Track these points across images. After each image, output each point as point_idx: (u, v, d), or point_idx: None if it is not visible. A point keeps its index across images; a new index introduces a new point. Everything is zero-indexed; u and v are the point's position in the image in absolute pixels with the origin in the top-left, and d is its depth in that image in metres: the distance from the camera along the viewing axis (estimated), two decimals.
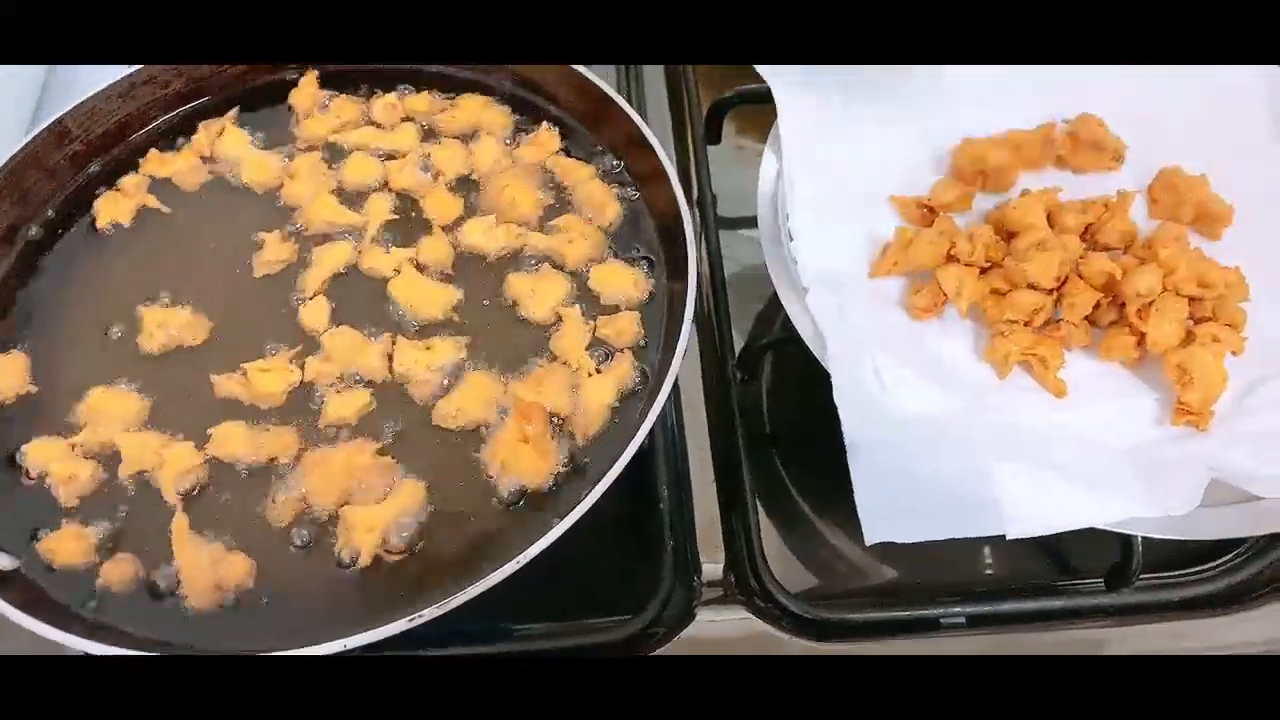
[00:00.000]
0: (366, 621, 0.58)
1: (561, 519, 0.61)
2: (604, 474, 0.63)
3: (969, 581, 0.77)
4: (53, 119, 0.80)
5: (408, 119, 0.88)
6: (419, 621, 0.58)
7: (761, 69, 0.85)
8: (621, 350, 0.73)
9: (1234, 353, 0.73)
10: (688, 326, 0.70)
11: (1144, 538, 0.68)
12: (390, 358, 0.73)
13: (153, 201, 0.82)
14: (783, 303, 0.74)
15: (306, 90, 0.88)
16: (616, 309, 0.75)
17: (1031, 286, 0.74)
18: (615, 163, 0.84)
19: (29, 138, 0.79)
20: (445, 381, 0.72)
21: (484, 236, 0.79)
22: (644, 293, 0.76)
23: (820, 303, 0.73)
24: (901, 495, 0.65)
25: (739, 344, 0.85)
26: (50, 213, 0.81)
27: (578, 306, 0.75)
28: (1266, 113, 0.86)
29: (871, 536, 0.64)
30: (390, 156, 0.85)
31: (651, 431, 0.73)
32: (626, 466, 0.63)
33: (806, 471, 0.82)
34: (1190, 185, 0.80)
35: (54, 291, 0.78)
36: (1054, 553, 0.77)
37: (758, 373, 0.87)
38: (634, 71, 1.03)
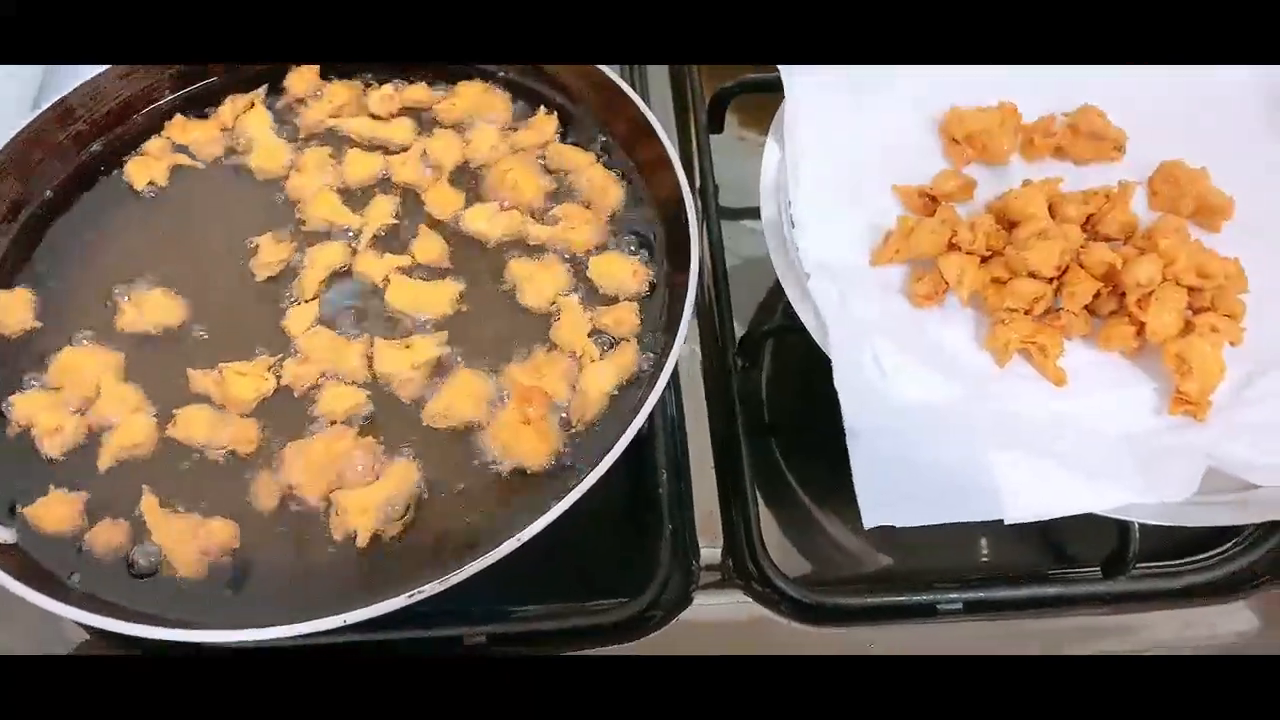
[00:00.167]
0: (365, 598, 0.59)
1: (560, 500, 0.61)
2: (603, 457, 0.63)
3: (966, 568, 0.77)
4: (56, 98, 0.80)
5: (405, 110, 0.87)
6: (419, 597, 0.58)
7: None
8: (624, 339, 0.73)
9: (1232, 343, 0.73)
10: (688, 314, 0.70)
11: (1141, 526, 0.68)
12: (370, 359, 0.72)
13: (184, 160, 0.84)
14: (785, 289, 0.74)
15: (305, 75, 0.88)
16: (614, 299, 0.76)
17: (1032, 275, 0.74)
18: (617, 150, 0.84)
19: (33, 117, 0.79)
20: (432, 380, 0.71)
21: (487, 223, 0.79)
22: (642, 283, 0.76)
23: (822, 290, 0.74)
24: (900, 480, 0.66)
25: (740, 332, 0.85)
26: (49, 193, 0.82)
27: (576, 295, 0.76)
28: (1265, 107, 0.86)
29: (870, 520, 0.65)
30: (390, 150, 0.85)
31: (652, 417, 0.74)
32: (626, 451, 0.64)
33: (805, 459, 0.82)
34: (1191, 178, 0.80)
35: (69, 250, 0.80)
36: (1051, 540, 0.78)
37: (758, 361, 0.87)
38: None
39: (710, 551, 0.77)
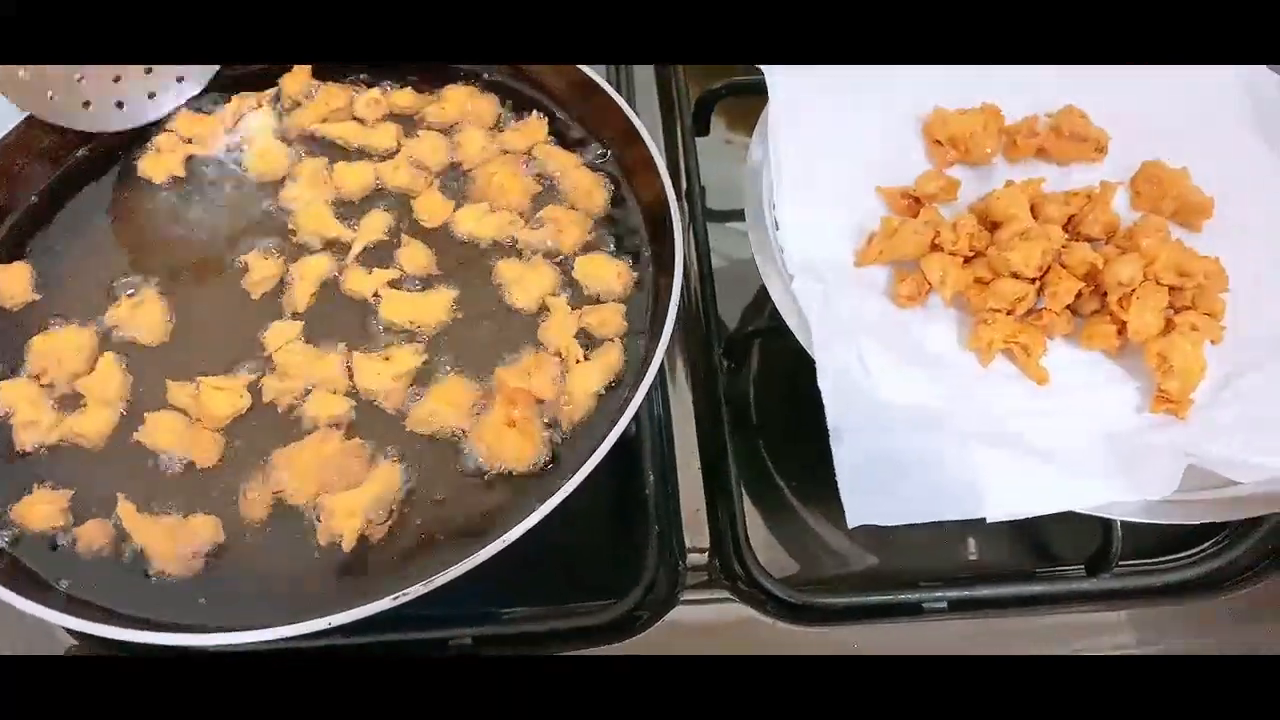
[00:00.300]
0: (352, 600, 0.59)
1: (546, 501, 0.61)
2: (589, 458, 0.63)
3: (951, 567, 0.77)
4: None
5: (391, 115, 0.87)
6: (404, 599, 0.59)
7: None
8: (609, 340, 0.73)
9: (1213, 341, 0.74)
10: (673, 316, 0.70)
11: (1124, 524, 0.69)
12: (350, 371, 0.72)
13: (196, 150, 0.84)
14: (769, 290, 0.75)
15: (299, 76, 0.88)
16: (598, 299, 0.76)
17: (1015, 275, 0.74)
18: (603, 152, 0.84)
19: (19, 119, 0.79)
20: (414, 389, 0.71)
21: (477, 223, 0.80)
22: (627, 285, 0.77)
23: (806, 290, 0.74)
24: (884, 479, 0.66)
25: (726, 333, 0.86)
26: (34, 198, 0.82)
27: (565, 295, 0.76)
28: (1247, 107, 0.87)
29: (854, 519, 0.65)
30: (383, 157, 0.85)
31: (638, 418, 0.75)
32: (612, 452, 0.64)
33: (791, 459, 0.83)
34: (1172, 178, 0.81)
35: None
36: (1036, 539, 0.78)
37: (744, 361, 0.87)
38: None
39: (696, 552, 0.77)
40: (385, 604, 0.58)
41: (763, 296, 0.87)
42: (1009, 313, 0.74)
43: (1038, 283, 0.75)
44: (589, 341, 0.74)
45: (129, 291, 0.77)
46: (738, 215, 0.82)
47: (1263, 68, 0.88)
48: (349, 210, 0.82)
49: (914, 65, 0.83)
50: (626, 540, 0.75)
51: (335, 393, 0.71)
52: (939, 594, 0.73)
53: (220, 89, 0.89)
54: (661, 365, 0.80)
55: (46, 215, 0.82)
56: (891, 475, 0.66)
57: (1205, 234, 0.81)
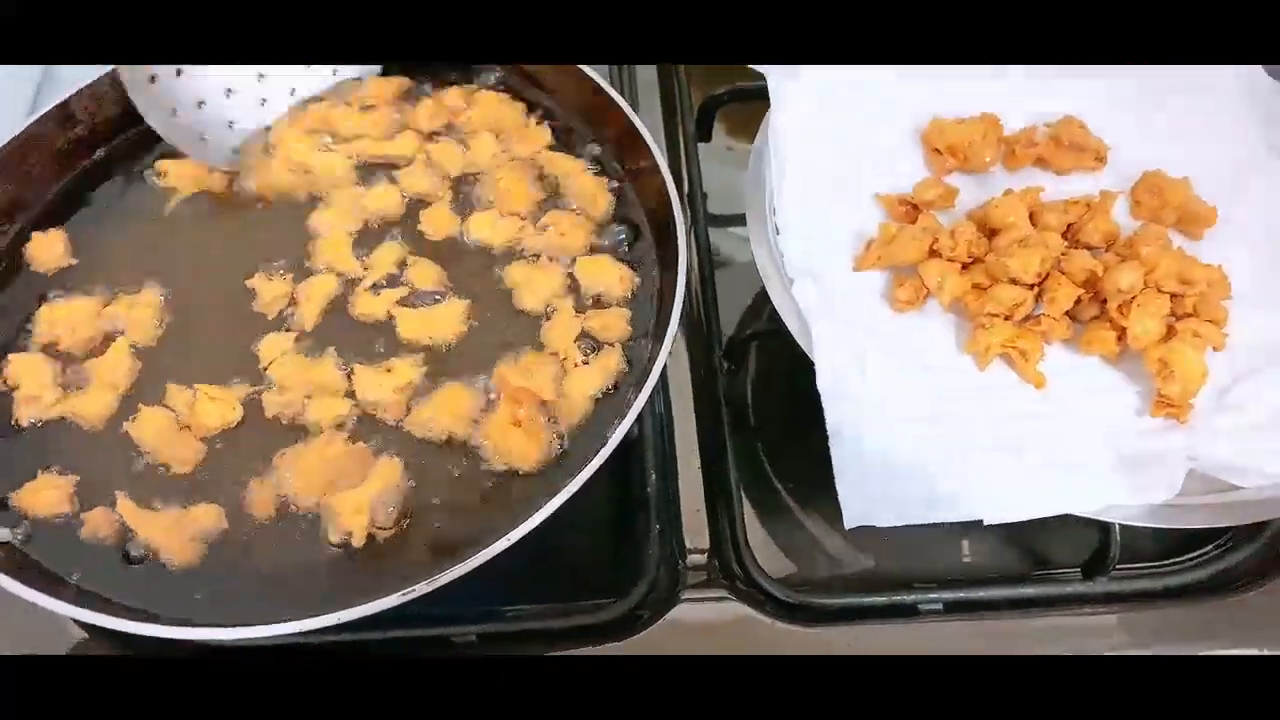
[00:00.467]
0: (358, 597, 0.60)
1: (550, 500, 0.62)
2: (593, 458, 0.64)
3: (948, 569, 0.78)
4: (56, 102, 0.81)
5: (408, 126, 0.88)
6: (410, 596, 0.59)
7: (758, 64, 0.87)
8: (610, 345, 0.74)
9: (1215, 348, 0.74)
10: (676, 319, 0.71)
11: (1122, 528, 0.69)
12: (350, 379, 0.72)
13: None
14: (769, 293, 0.76)
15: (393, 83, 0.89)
16: (599, 300, 0.77)
17: (1013, 281, 0.75)
18: (607, 157, 0.85)
19: (31, 120, 0.80)
20: (413, 402, 0.72)
21: (490, 230, 0.80)
22: (628, 289, 0.77)
23: (806, 294, 0.75)
24: (882, 481, 0.67)
25: (726, 335, 0.87)
26: (50, 196, 0.82)
27: (571, 299, 0.77)
28: (1248, 115, 0.87)
29: (851, 520, 0.66)
30: (394, 165, 0.85)
31: (641, 419, 0.76)
32: (615, 452, 0.65)
33: (790, 460, 0.84)
34: (1173, 188, 0.81)
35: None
36: (1032, 542, 0.79)
37: (744, 364, 0.88)
38: (627, 67, 1.04)
39: (696, 552, 0.78)
40: (393, 600, 0.59)
41: (762, 300, 0.88)
42: (1007, 318, 0.75)
43: (1036, 288, 0.76)
44: (593, 344, 0.74)
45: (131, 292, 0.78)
46: (737, 220, 0.83)
47: (1263, 75, 0.89)
48: (366, 237, 0.81)
49: (913, 65, 0.84)
50: (628, 539, 0.76)
51: (336, 395, 0.72)
52: (935, 595, 0.73)
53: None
54: (663, 366, 0.81)
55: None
56: (889, 477, 0.67)
57: (1206, 241, 0.81)
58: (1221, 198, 0.82)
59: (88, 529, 0.66)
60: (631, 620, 0.72)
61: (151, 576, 0.65)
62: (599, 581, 0.75)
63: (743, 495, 0.78)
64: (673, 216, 0.76)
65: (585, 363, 0.73)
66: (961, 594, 0.74)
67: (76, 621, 0.69)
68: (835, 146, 0.84)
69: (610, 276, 0.77)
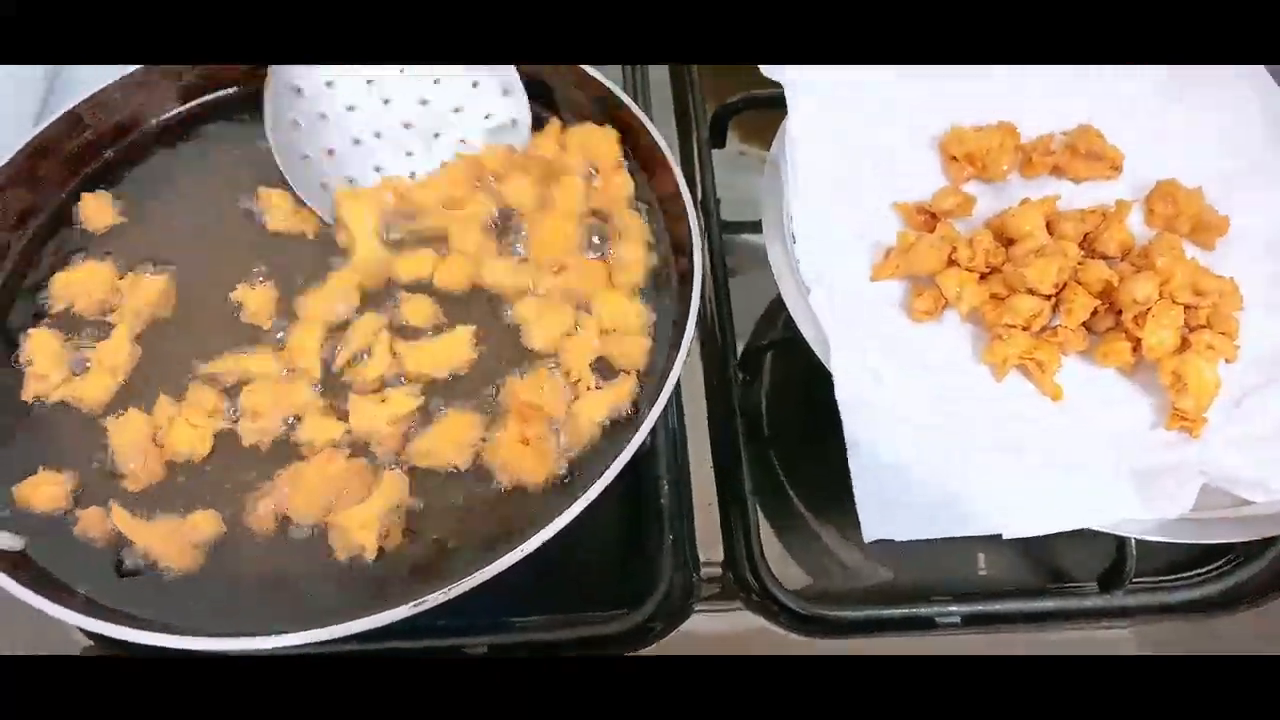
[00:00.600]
0: (369, 608, 0.59)
1: (563, 513, 0.62)
2: (604, 472, 0.63)
3: (964, 582, 0.77)
4: (65, 108, 0.81)
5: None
6: (423, 607, 0.59)
7: (772, 70, 0.86)
8: (624, 372, 0.72)
9: (1228, 360, 0.74)
10: (690, 331, 0.70)
11: (1138, 541, 0.69)
12: (334, 408, 0.71)
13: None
14: (785, 302, 0.75)
15: None
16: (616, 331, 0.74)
17: (1030, 292, 0.75)
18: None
19: (42, 126, 0.79)
20: (408, 430, 0.70)
21: (510, 276, 0.76)
22: (645, 325, 0.74)
23: (823, 303, 0.74)
24: (900, 494, 0.67)
25: (741, 345, 0.86)
26: (59, 201, 0.81)
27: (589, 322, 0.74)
28: (1264, 125, 0.87)
29: (870, 534, 0.65)
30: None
31: (655, 430, 0.75)
32: (628, 465, 0.64)
33: (805, 471, 0.83)
34: (1188, 197, 0.81)
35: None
36: (1049, 555, 0.78)
37: (758, 373, 0.88)
38: (640, 75, 1.04)
39: (710, 565, 0.77)
40: (405, 611, 0.59)
41: (776, 308, 0.87)
42: (1024, 329, 0.74)
43: (1053, 299, 0.75)
44: (608, 370, 0.72)
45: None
46: (751, 227, 0.83)
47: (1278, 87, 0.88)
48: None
49: (930, 73, 0.83)
50: (640, 551, 0.76)
51: (326, 414, 0.70)
52: (952, 608, 0.73)
53: (196, 116, 0.87)
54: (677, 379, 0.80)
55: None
56: (907, 490, 0.67)
57: (1219, 252, 0.81)
58: (1235, 209, 0.81)
59: (80, 528, 0.66)
60: (644, 632, 0.72)
61: (154, 588, 0.64)
62: (611, 593, 0.75)
63: (757, 506, 0.78)
64: (691, 241, 0.74)
65: (599, 387, 0.71)
66: (979, 607, 0.73)
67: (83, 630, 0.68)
68: (851, 155, 0.84)
69: (628, 314, 0.74)
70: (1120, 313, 0.74)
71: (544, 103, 0.86)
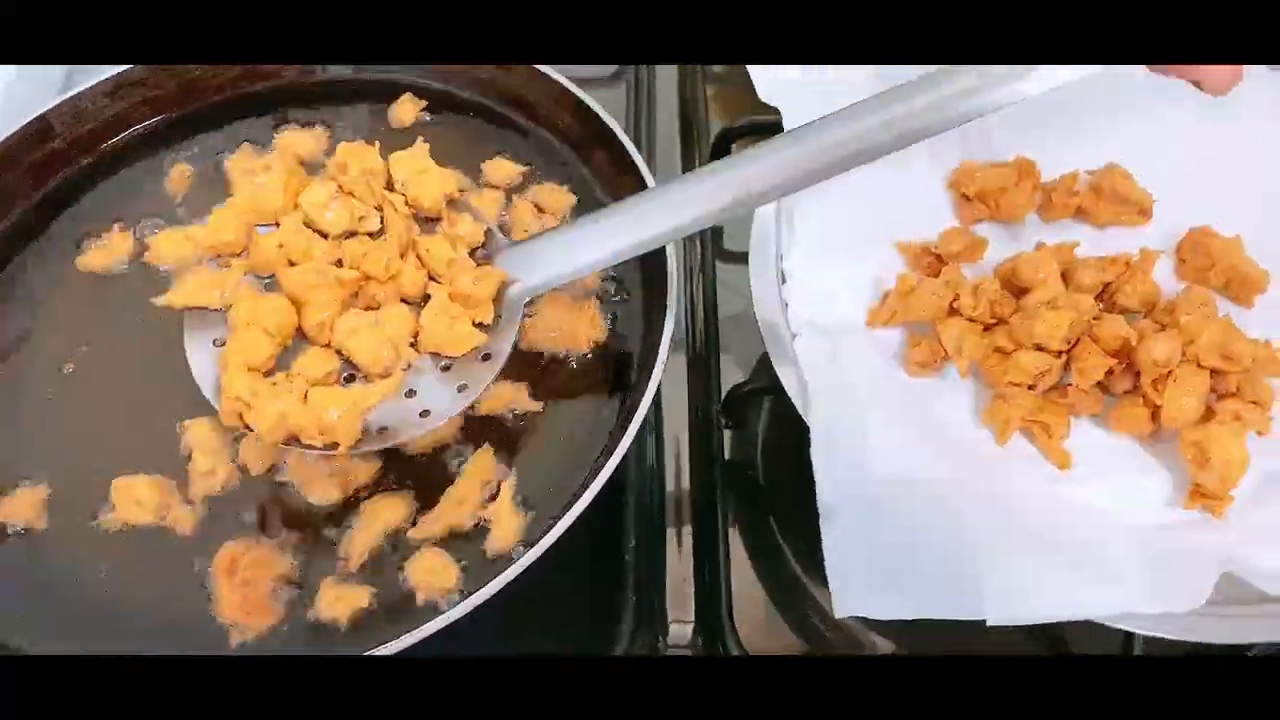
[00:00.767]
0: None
1: (506, 568, 0.57)
2: (554, 525, 0.58)
3: (953, 653, 0.70)
4: (35, 115, 0.78)
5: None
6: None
7: (771, 97, 0.81)
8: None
9: (1259, 432, 0.67)
10: (659, 370, 0.65)
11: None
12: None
13: None
14: (767, 348, 0.70)
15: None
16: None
17: (1039, 347, 0.68)
18: (596, 185, 0.79)
19: (7, 133, 0.77)
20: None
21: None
22: (598, 337, 0.71)
23: (810, 350, 0.69)
24: (877, 566, 0.61)
25: (731, 384, 0.80)
26: (19, 214, 0.79)
27: None
28: None
29: (842, 609, 0.60)
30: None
31: (625, 467, 0.70)
32: (590, 510, 0.59)
33: (797, 528, 0.77)
34: (1223, 248, 0.74)
35: None
36: (1051, 632, 0.71)
37: (747, 420, 0.82)
38: (645, 97, 0.99)
39: (680, 626, 0.72)
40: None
41: None
42: (1031, 388, 0.68)
43: (1064, 356, 0.69)
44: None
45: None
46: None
47: None
48: None
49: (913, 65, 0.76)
50: (604, 605, 0.70)
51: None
52: None
53: (171, 128, 0.85)
54: (655, 417, 0.75)
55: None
56: (886, 562, 0.61)
57: (1259, 309, 0.74)
58: (1277, 262, 0.74)
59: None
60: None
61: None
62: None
63: (730, 565, 0.72)
64: (665, 253, 0.69)
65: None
66: None
67: None
68: (854, 188, 0.77)
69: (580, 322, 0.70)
70: (1139, 374, 0.67)
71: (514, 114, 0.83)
